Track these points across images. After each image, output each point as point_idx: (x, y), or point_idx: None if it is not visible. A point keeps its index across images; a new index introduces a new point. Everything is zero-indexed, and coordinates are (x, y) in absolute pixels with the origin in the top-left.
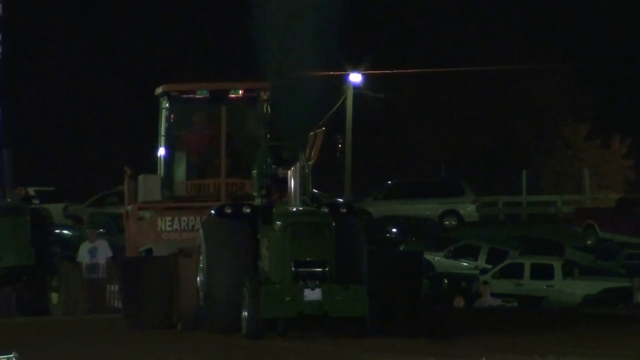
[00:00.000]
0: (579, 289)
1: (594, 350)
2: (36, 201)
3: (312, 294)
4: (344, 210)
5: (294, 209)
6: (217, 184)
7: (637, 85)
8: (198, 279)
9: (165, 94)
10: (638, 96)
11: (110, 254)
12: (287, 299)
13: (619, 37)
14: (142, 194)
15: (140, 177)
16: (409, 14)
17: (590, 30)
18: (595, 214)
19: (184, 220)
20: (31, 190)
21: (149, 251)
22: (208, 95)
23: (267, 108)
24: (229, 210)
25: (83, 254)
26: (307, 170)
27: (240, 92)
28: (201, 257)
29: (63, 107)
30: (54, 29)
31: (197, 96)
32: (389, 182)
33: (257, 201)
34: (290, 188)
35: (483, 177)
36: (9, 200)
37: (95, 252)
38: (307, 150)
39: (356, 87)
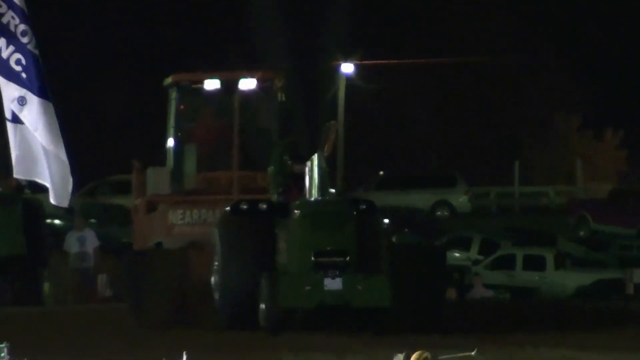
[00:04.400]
0: (571, 280)
1: (586, 341)
2: (28, 191)
3: (333, 284)
4: (364, 207)
5: (313, 199)
6: (228, 177)
7: (630, 76)
8: (212, 279)
9: (175, 84)
10: (631, 87)
11: (97, 243)
12: (307, 288)
13: (612, 29)
14: (151, 187)
15: (149, 170)
16: (401, 5)
17: (583, 22)
18: (588, 205)
19: (196, 214)
20: (22, 180)
21: (158, 245)
22: (219, 86)
23: (281, 96)
24: (244, 207)
25: (71, 243)
26: (324, 165)
27: (252, 81)
28: (215, 257)
29: (54, 95)
30: (56, 16)
31: (207, 86)
32: (381, 173)
33: (274, 198)
34: (309, 182)
35: (475, 168)
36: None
37: (84, 240)
38: (321, 144)
39: (348, 78)
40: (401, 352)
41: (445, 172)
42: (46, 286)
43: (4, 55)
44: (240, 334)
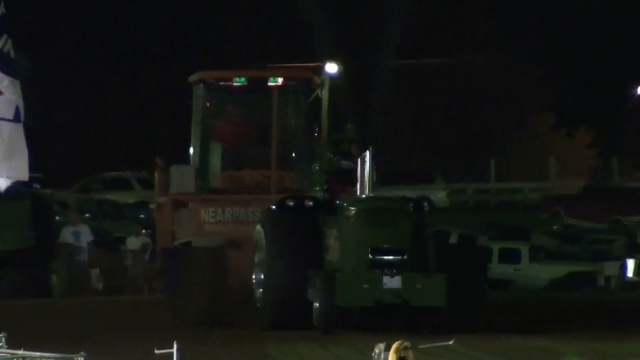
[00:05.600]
0: (545, 272)
1: (559, 331)
2: (37, 185)
3: (392, 282)
4: (412, 204)
5: (365, 196)
6: (252, 177)
7: (602, 77)
8: (254, 276)
9: (201, 81)
10: (602, 88)
11: (91, 238)
12: (365, 286)
13: (585, 29)
14: (175, 186)
15: (173, 168)
16: (378, 5)
17: (557, 22)
18: (561, 200)
19: (229, 212)
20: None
21: (187, 244)
22: (246, 83)
23: (321, 93)
24: (291, 204)
25: (66, 237)
26: (372, 162)
27: (280, 79)
28: (258, 254)
29: (46, 94)
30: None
31: (234, 84)
32: None
33: (318, 195)
34: (360, 178)
35: (453, 164)
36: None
37: (78, 235)
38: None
39: (332, 78)
40: (382, 342)
41: (424, 169)
42: (54, 278)
43: None
44: (229, 326)
